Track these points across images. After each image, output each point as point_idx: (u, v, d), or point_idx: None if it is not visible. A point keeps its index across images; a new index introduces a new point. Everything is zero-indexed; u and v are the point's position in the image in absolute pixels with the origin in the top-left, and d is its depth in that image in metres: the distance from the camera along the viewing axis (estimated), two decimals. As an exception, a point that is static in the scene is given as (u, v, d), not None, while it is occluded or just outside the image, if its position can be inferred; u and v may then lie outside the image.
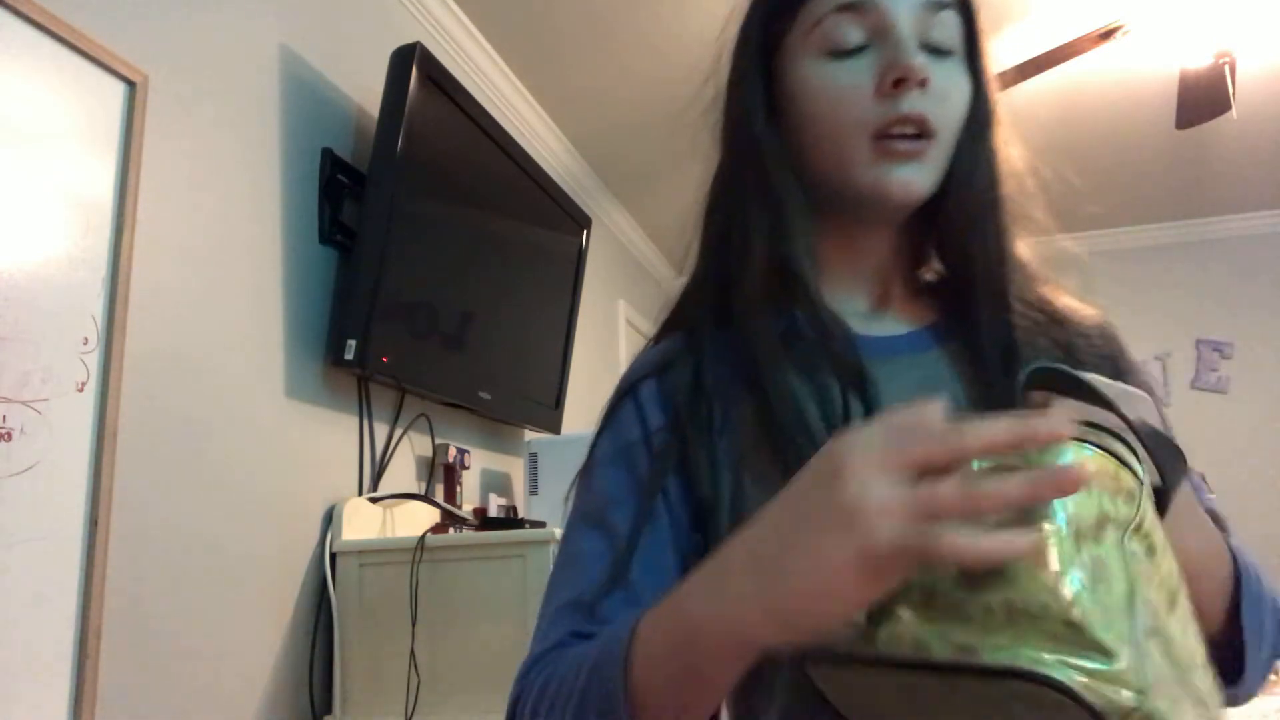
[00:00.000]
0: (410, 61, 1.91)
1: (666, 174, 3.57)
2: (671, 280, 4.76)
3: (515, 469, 2.68)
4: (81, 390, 1.29)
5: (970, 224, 0.67)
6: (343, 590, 1.75)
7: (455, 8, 2.45)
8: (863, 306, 0.72)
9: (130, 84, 1.41)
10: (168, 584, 1.43)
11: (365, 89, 2.06)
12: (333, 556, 1.78)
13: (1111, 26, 2.29)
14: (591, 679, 0.52)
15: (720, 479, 0.63)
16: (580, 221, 2.89)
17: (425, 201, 2.01)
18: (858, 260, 0.71)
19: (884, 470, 0.40)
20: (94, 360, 1.32)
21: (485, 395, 2.27)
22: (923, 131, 0.63)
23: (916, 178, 0.64)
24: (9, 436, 1.18)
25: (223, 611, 1.54)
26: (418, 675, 1.66)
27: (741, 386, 0.66)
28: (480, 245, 2.28)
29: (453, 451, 2.21)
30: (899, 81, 0.62)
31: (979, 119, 0.67)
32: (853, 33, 0.65)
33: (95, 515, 1.29)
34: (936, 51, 0.65)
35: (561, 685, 0.55)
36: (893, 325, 0.70)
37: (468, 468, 2.31)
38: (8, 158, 1.21)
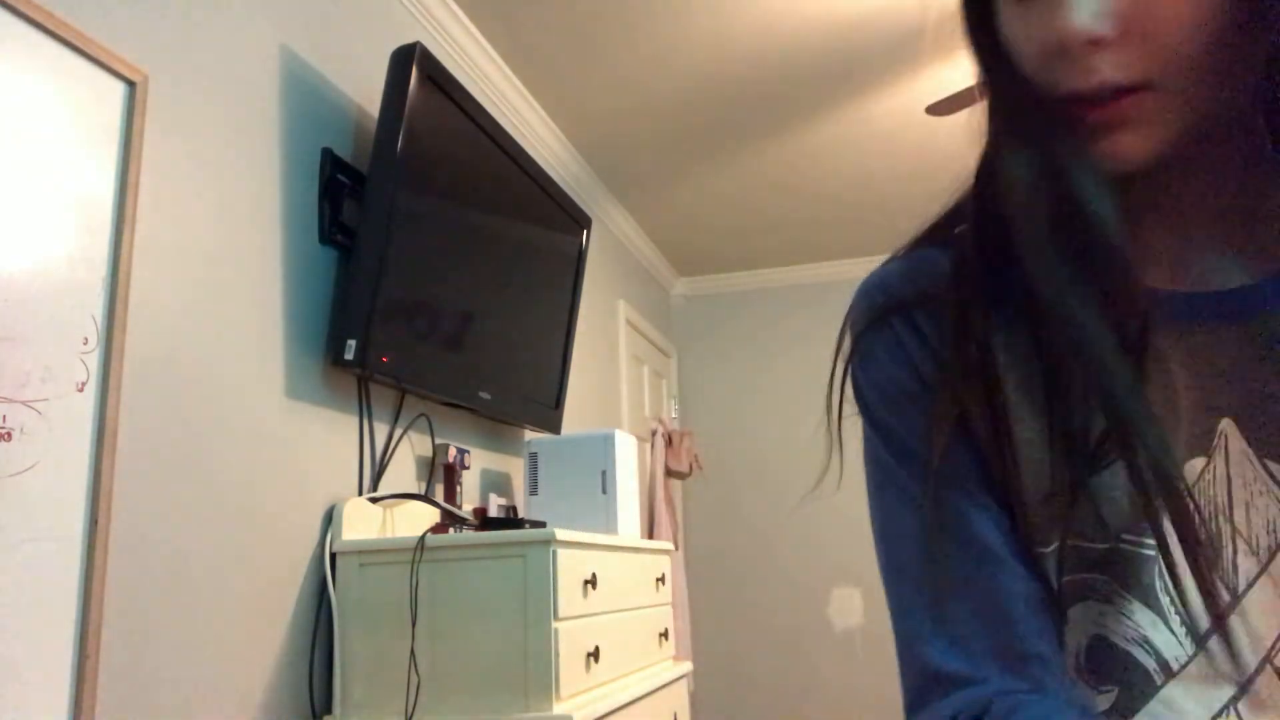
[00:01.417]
0: (410, 61, 1.91)
1: (667, 174, 3.57)
2: (672, 280, 4.76)
3: (515, 469, 2.69)
4: (81, 390, 1.29)
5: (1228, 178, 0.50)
6: (343, 590, 1.75)
7: (455, 8, 2.45)
8: (1176, 255, 0.53)
9: (130, 84, 1.41)
10: (168, 584, 1.43)
11: (365, 89, 2.06)
12: (333, 556, 1.78)
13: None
14: None
15: (1002, 443, 0.52)
16: (580, 221, 2.89)
17: (425, 201, 2.01)
18: (1154, 206, 0.53)
19: None
20: (94, 360, 1.32)
21: (485, 395, 2.27)
22: (1121, 92, 0.46)
23: (1125, 144, 0.47)
24: (9, 436, 1.18)
25: (223, 611, 1.54)
26: (418, 675, 1.66)
27: (1023, 339, 0.53)
28: (480, 245, 2.28)
29: (453, 451, 2.22)
30: (1061, 50, 0.46)
31: (1239, 27, 0.45)
32: None
33: (95, 515, 1.29)
34: None
35: None
36: (1203, 280, 0.52)
37: (468, 468, 2.31)
38: (8, 158, 1.21)
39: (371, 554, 1.77)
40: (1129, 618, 0.49)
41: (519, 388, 2.52)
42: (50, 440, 1.23)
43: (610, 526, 2.26)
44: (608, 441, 2.33)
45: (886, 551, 0.56)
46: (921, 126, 3.16)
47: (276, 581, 1.68)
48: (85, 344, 1.30)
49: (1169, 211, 0.52)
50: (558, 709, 1.60)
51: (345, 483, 1.91)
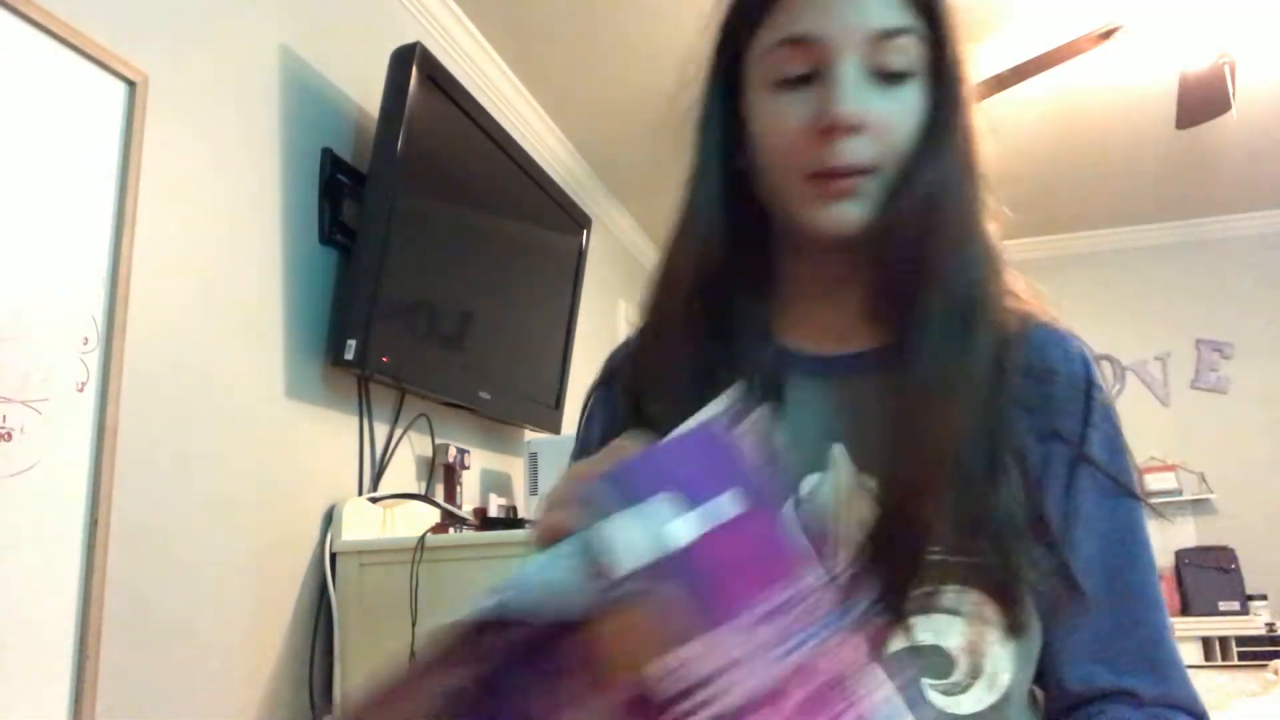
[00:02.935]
0: (410, 61, 1.91)
1: (666, 174, 3.56)
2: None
3: (515, 469, 2.69)
4: (81, 390, 1.29)
5: (909, 245, 0.64)
6: (343, 590, 1.75)
7: (455, 8, 2.45)
8: (823, 326, 0.71)
9: (130, 84, 1.41)
10: (167, 584, 1.43)
11: (365, 89, 2.06)
12: (333, 556, 1.78)
13: (1111, 27, 2.29)
14: None
15: None
16: (580, 221, 2.89)
17: (425, 201, 2.01)
18: (819, 282, 0.71)
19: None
20: (94, 360, 1.32)
21: (485, 395, 2.27)
22: (858, 172, 0.62)
23: (851, 213, 0.63)
24: (9, 436, 1.18)
25: (223, 611, 1.54)
26: (418, 675, 1.66)
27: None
28: (480, 245, 2.28)
29: (453, 451, 2.21)
30: (830, 129, 0.61)
31: (938, 137, 0.64)
32: (795, 66, 0.64)
33: (95, 515, 1.29)
34: (891, 77, 0.62)
35: None
36: (841, 345, 0.70)
37: (468, 468, 2.31)
38: (8, 157, 1.21)
39: (371, 554, 1.77)
40: None
41: (519, 388, 2.52)
42: (50, 440, 1.23)
43: (610, 526, 2.26)
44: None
45: None
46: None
47: (276, 581, 1.68)
48: (85, 344, 1.30)
49: (861, 278, 0.69)
50: (558, 709, 1.59)
51: (345, 483, 1.91)
